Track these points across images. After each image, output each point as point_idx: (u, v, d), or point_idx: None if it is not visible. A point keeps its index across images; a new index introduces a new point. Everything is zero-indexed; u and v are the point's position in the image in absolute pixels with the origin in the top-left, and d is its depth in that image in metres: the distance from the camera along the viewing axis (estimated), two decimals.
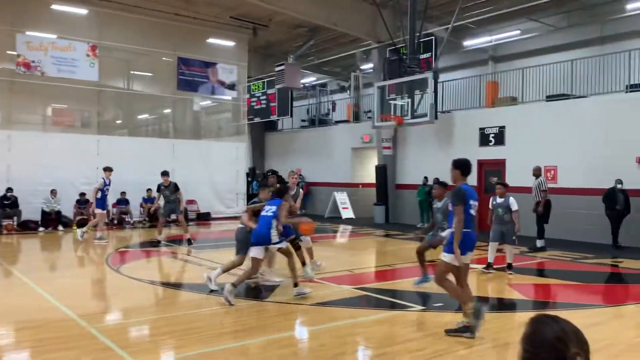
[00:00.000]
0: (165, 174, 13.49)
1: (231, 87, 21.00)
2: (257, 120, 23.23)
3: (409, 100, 12.48)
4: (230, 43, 20.75)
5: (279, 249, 7.42)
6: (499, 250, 9.96)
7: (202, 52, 20.11)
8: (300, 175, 22.67)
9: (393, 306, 7.25)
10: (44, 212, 15.99)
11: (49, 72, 16.65)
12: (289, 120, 23.92)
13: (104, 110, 19.33)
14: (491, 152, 15.96)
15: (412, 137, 18.23)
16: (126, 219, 17.18)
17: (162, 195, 13.29)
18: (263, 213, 7.15)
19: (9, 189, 15.57)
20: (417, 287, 7.89)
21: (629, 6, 15.21)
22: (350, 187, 20.93)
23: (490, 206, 9.83)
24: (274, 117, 22.59)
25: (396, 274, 9.64)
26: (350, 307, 7.16)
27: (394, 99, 13.06)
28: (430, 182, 16.78)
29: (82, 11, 17.16)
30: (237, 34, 20.68)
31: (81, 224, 16.34)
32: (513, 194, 15.41)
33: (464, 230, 5.59)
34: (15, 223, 15.62)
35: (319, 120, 23.68)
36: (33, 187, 15.95)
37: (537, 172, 12.47)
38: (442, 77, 17.63)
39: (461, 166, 5.92)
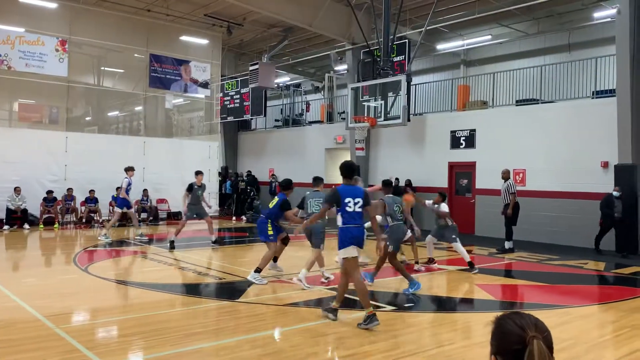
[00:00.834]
0: (199, 173, 12.99)
1: (204, 85, 20.82)
2: (230, 119, 23.08)
3: (382, 102, 12.55)
4: (203, 41, 20.57)
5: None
6: (469, 252, 10.14)
7: (174, 50, 19.88)
8: (273, 175, 22.64)
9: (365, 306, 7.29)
10: (8, 210, 15.57)
11: (16, 67, 16.24)
12: (262, 119, 23.84)
13: (73, 107, 18.92)
14: (462, 155, 16.22)
15: (385, 138, 18.40)
16: (95, 218, 16.86)
17: (193, 196, 12.63)
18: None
19: None
20: (414, 292, 7.86)
21: (596, 14, 15.65)
22: (324, 187, 20.94)
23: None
24: (247, 117, 22.46)
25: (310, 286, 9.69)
26: (322, 307, 7.19)
27: (368, 101, 13.12)
28: (401, 183, 16.97)
29: (52, 5, 16.78)
30: (210, 32, 20.52)
31: (48, 222, 15.99)
32: (482, 197, 15.76)
33: (345, 225, 6.12)
34: None
35: (292, 121, 23.66)
36: None
37: (505, 175, 12.66)
38: (415, 79, 17.85)
39: (341, 169, 6.55)
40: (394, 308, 7.10)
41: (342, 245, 6.15)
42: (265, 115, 22.37)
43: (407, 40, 15.66)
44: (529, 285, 8.94)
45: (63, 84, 17.49)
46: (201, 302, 7.42)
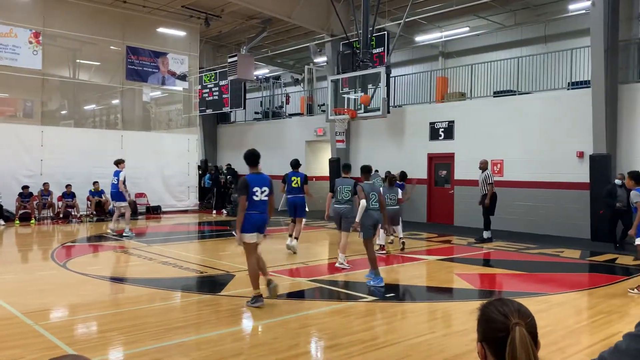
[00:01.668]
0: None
1: (182, 77, 20.59)
2: (209, 111, 22.91)
3: (362, 94, 12.59)
4: (181, 33, 20.32)
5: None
6: (447, 242, 10.25)
7: (151, 42, 19.60)
8: None
9: (346, 297, 7.35)
10: None
11: None
12: (242, 112, 23.70)
13: (48, 100, 18.56)
14: (441, 146, 16.37)
15: (365, 130, 18.46)
16: (72, 213, 16.62)
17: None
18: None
19: None
20: (375, 285, 7.88)
21: (571, 7, 15.87)
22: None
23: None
24: (226, 109, 22.33)
25: (350, 265, 9.76)
26: (303, 299, 7.23)
27: (348, 93, 13.15)
28: (382, 175, 17.05)
29: None
30: (188, 23, 20.28)
31: (24, 217, 15.71)
32: (461, 187, 15.94)
33: (249, 211, 6.44)
34: None
35: (272, 113, 23.57)
36: None
37: (483, 166, 12.76)
38: (394, 71, 17.92)
39: (245, 158, 6.74)
40: (374, 298, 7.16)
41: (244, 230, 6.47)
42: (244, 108, 22.26)
43: (386, 32, 15.70)
44: (507, 274, 9.09)
45: (37, 77, 17.13)
46: (182, 296, 7.39)
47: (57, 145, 16.96)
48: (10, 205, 15.74)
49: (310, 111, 21.53)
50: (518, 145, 14.51)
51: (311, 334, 5.70)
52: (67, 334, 5.48)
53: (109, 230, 13.33)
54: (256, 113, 24.52)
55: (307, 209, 11.02)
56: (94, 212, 17.03)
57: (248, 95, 22.73)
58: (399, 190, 11.09)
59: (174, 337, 5.34)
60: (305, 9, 17.52)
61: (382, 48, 15.49)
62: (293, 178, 10.88)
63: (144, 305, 6.65)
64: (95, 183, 17.08)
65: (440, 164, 16.57)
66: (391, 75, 15.92)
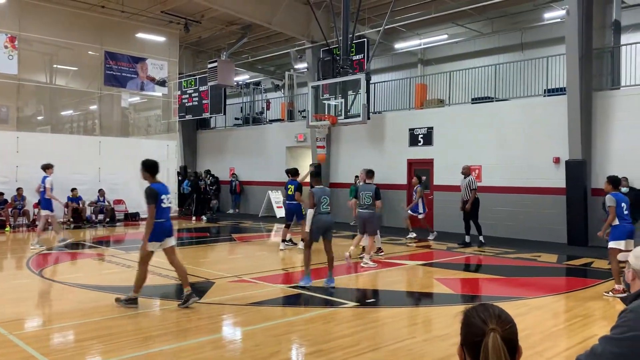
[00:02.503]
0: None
1: (161, 83, 20.43)
2: (188, 117, 22.76)
3: (342, 100, 12.65)
4: (160, 38, 20.17)
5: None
6: (427, 247, 10.31)
7: (130, 47, 19.42)
8: (233, 174, 22.45)
9: (327, 303, 7.34)
10: None
11: None
12: (222, 118, 23.60)
13: (24, 105, 18.24)
14: (420, 152, 16.50)
15: (345, 136, 18.53)
16: (48, 220, 16.28)
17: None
18: None
19: None
20: (304, 285, 7.98)
21: (547, 15, 16.18)
22: (284, 186, 20.96)
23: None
24: (206, 115, 22.22)
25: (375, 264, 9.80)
26: (284, 305, 7.20)
27: (328, 99, 13.20)
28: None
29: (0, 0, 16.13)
30: (167, 29, 20.15)
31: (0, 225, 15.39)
32: (440, 193, 16.08)
33: (158, 220, 6.63)
34: None
35: (253, 119, 23.52)
36: None
37: (466, 171, 12.83)
38: (374, 78, 18.03)
39: (149, 167, 6.85)
40: (355, 304, 7.16)
41: (151, 239, 6.65)
42: (224, 114, 22.17)
43: (365, 39, 15.83)
44: (486, 279, 9.18)
45: (13, 82, 16.84)
46: (161, 304, 7.30)
47: (33, 151, 16.64)
48: None
49: (290, 117, 21.54)
50: (496, 151, 14.71)
51: (293, 340, 5.68)
52: (42, 343, 5.37)
53: (33, 247, 11.97)
54: (236, 119, 24.44)
55: (304, 213, 11.23)
56: (71, 219, 16.76)
57: (228, 101, 22.65)
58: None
59: (153, 346, 5.27)
60: (286, 15, 17.57)
61: (362, 55, 15.60)
62: (289, 186, 11.89)
63: (122, 314, 6.55)
64: (73, 190, 16.83)
65: (420, 169, 16.69)
66: (371, 81, 16.02)
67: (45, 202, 12.22)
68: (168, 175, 20.39)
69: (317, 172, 8.97)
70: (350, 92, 12.62)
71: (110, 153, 18.51)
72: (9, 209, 15.82)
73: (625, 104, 12.64)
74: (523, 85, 15.12)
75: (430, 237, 13.80)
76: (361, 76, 12.14)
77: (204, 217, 19.35)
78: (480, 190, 14.10)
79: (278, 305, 7.14)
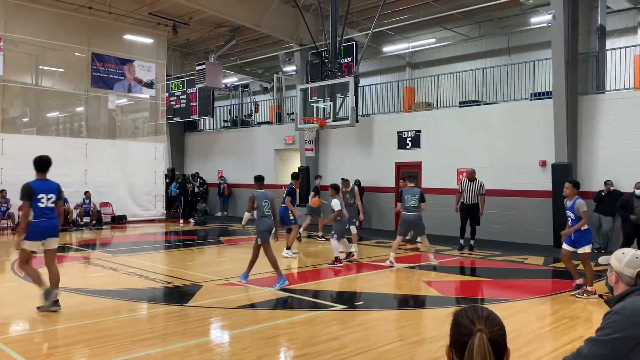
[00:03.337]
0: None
1: (149, 85, 20.31)
2: (176, 119, 22.65)
3: (331, 103, 12.65)
4: (148, 40, 20.06)
5: None
6: (415, 250, 10.35)
7: (118, 49, 19.28)
8: (221, 176, 22.36)
9: (315, 306, 7.34)
10: None
11: None
12: (210, 120, 23.51)
13: (8, 107, 18.03)
14: (408, 155, 16.57)
15: (334, 139, 18.55)
16: None
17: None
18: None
19: None
20: (281, 287, 8.11)
21: (533, 20, 16.34)
22: (274, 188, 20.90)
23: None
24: (194, 117, 22.12)
25: (318, 274, 9.76)
26: (272, 308, 7.18)
27: (317, 102, 13.19)
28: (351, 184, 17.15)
29: None
30: (155, 31, 20.05)
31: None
32: (428, 196, 16.10)
33: (35, 220, 6.49)
34: None
35: (241, 121, 23.46)
36: None
37: (472, 176, 12.39)
38: (363, 81, 18.09)
39: (35, 163, 6.70)
40: (344, 307, 7.16)
41: (27, 237, 6.52)
42: (212, 116, 22.10)
43: (354, 43, 15.86)
44: (473, 281, 9.23)
45: None
46: (148, 308, 7.25)
47: (19, 153, 16.44)
48: None
49: (279, 120, 21.52)
50: (483, 154, 14.80)
51: (280, 343, 5.67)
52: (27, 347, 5.30)
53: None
54: (225, 121, 24.37)
55: (291, 218, 11.33)
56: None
57: (216, 104, 22.58)
58: (338, 202, 10.50)
59: (139, 349, 5.23)
60: (274, 18, 17.56)
61: (351, 58, 15.63)
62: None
63: (109, 317, 6.49)
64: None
65: (408, 172, 16.74)
66: (359, 84, 16.06)
67: None
68: (155, 178, 20.30)
69: (259, 177, 9.17)
70: (338, 95, 12.62)
71: (96, 155, 18.36)
72: None
73: (610, 107, 12.80)
74: (510, 89, 15.25)
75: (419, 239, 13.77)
76: (350, 79, 12.15)
77: (191, 220, 19.25)
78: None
79: (266, 308, 7.12)
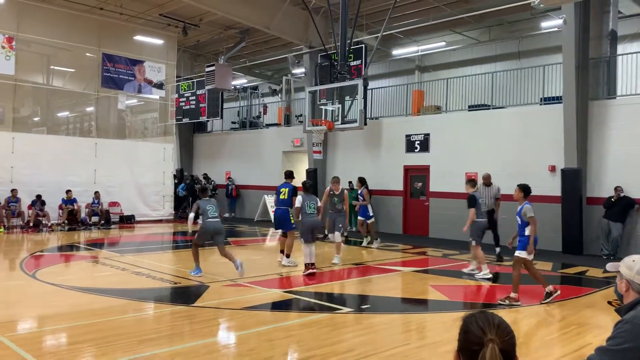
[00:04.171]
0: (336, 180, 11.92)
1: (159, 86, 20.41)
2: (185, 120, 22.75)
3: (339, 105, 12.65)
4: (158, 41, 20.17)
5: None
6: (422, 253, 10.27)
7: (128, 49, 19.40)
8: (229, 178, 22.42)
9: (321, 309, 7.33)
10: None
11: None
12: (219, 121, 23.60)
13: (20, 106, 18.19)
14: (416, 159, 16.52)
15: (342, 142, 18.54)
16: (43, 222, 16.25)
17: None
18: None
19: None
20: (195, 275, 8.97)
21: (544, 24, 16.27)
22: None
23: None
24: (203, 119, 22.21)
25: (324, 276, 9.75)
26: (279, 310, 7.18)
27: (325, 104, 13.20)
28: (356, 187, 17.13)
29: None
30: (166, 32, 20.16)
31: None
32: (436, 199, 16.07)
33: None
34: None
35: (250, 123, 23.52)
36: None
37: (487, 181, 11.90)
38: (372, 84, 18.09)
39: None
40: (350, 310, 7.15)
41: None
42: (221, 118, 22.18)
43: (363, 45, 15.87)
44: (480, 285, 9.18)
45: (9, 83, 16.79)
46: (155, 307, 7.27)
47: (29, 152, 16.62)
48: None
49: (287, 122, 21.55)
50: (492, 158, 14.73)
51: (287, 345, 5.66)
52: (34, 346, 5.33)
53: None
54: (233, 123, 24.44)
55: (292, 222, 10.30)
56: (66, 221, 16.70)
57: (225, 105, 22.65)
58: (318, 200, 10.19)
59: (146, 349, 5.24)
60: (284, 20, 17.60)
61: (360, 61, 15.64)
62: (282, 190, 10.57)
63: (116, 317, 6.52)
64: (68, 191, 16.78)
65: (416, 176, 16.72)
66: (368, 87, 16.06)
67: None
68: (164, 178, 20.39)
69: (204, 188, 9.89)
70: (347, 98, 12.63)
71: (106, 155, 18.48)
72: (3, 210, 15.73)
73: (621, 113, 12.70)
74: (519, 94, 15.17)
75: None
76: (359, 82, 12.15)
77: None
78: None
79: (273, 310, 7.12)
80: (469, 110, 15.94)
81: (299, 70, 20.62)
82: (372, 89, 18.16)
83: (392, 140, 17.14)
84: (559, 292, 7.72)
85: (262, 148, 21.60)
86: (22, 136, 16.96)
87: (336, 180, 11.79)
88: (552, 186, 13.47)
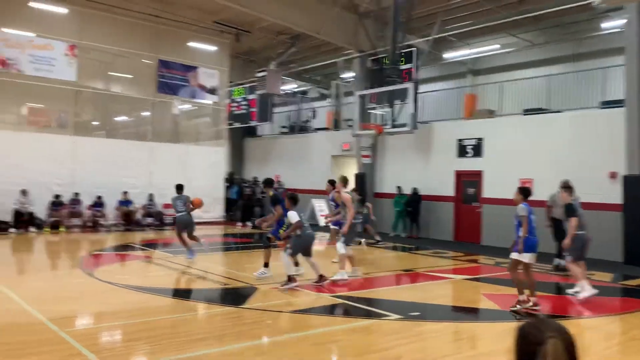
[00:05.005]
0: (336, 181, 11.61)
1: (212, 91, 20.88)
2: (236, 125, 23.15)
3: (389, 109, 12.57)
4: (212, 47, 20.65)
5: None
6: (474, 261, 10.02)
7: (183, 55, 19.95)
8: (279, 181, 22.63)
9: (369, 315, 7.26)
10: (17, 213, 15.59)
11: (25, 71, 16.31)
12: (268, 126, 23.89)
13: (81, 111, 19.00)
14: (469, 164, 16.16)
15: (392, 146, 18.37)
16: (100, 222, 16.90)
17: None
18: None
19: None
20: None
21: (604, 25, 15.61)
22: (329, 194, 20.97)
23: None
24: (254, 123, 22.55)
25: (373, 282, 9.67)
26: (327, 315, 7.16)
27: (374, 108, 13.16)
28: (407, 192, 16.93)
29: (62, 10, 16.90)
30: (219, 38, 20.61)
31: (54, 225, 16.03)
32: (489, 206, 15.66)
33: None
34: None
35: (299, 127, 23.71)
36: (5, 187, 15.55)
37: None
38: (422, 87, 17.84)
39: None
40: (399, 317, 7.04)
41: None
42: (271, 122, 22.45)
43: (414, 49, 15.69)
44: (537, 296, 8.85)
45: (71, 89, 17.58)
46: (205, 308, 7.41)
47: (88, 155, 17.33)
48: (42, 213, 16.08)
49: (336, 126, 21.58)
50: (548, 164, 14.22)
51: (333, 350, 5.64)
52: (91, 341, 5.52)
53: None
54: (283, 127, 24.69)
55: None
56: (122, 222, 17.30)
57: (275, 110, 22.93)
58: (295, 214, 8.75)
59: (197, 349, 5.34)
60: (334, 25, 17.64)
61: (411, 64, 15.47)
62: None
63: (168, 316, 6.68)
64: (124, 193, 17.38)
65: (468, 181, 16.35)
66: (419, 91, 15.86)
67: None
68: (216, 181, 20.80)
69: (179, 185, 11.50)
70: (397, 102, 12.53)
71: (161, 159, 19.04)
72: (64, 211, 16.45)
73: None
74: (577, 97, 14.60)
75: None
76: (409, 85, 12.05)
77: (249, 224, 19.57)
78: (534, 205, 13.67)
79: (319, 314, 7.10)
80: (524, 114, 15.46)
81: (348, 75, 20.62)
82: (422, 93, 17.92)
83: (443, 144, 16.84)
84: (537, 307, 7.27)
85: (311, 152, 21.71)
86: (82, 140, 17.71)
87: (330, 184, 11.19)
88: (611, 193, 12.87)
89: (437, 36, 14.96)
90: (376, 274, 10.33)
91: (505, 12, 15.83)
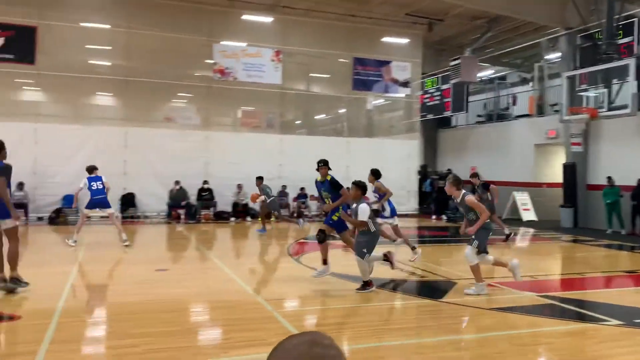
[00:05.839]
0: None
1: (404, 84, 20.94)
2: (429, 117, 22.87)
3: (605, 90, 11.13)
4: (404, 40, 20.71)
5: None
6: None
7: (376, 51, 20.37)
8: (474, 173, 21.76)
9: (582, 318, 6.54)
10: (234, 204, 17.66)
11: (240, 78, 18.31)
12: (463, 116, 23.09)
13: (285, 112, 20.71)
14: None
15: (608, 131, 16.18)
16: (304, 213, 18.19)
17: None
18: None
19: (205, 182, 17.51)
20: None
21: None
22: (533, 187, 19.49)
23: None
24: (447, 113, 22.03)
25: (586, 283, 8.71)
26: (532, 315, 6.64)
27: (586, 90, 11.78)
28: (617, 182, 14.82)
29: (268, 19, 18.57)
30: (411, 30, 20.55)
31: (267, 215, 17.72)
32: None
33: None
34: (211, 213, 17.57)
35: (497, 115, 22.46)
36: (226, 182, 17.69)
37: None
38: None
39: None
40: (620, 322, 6.21)
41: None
42: (466, 111, 21.67)
43: (636, 20, 13.65)
44: None
45: (277, 91, 19.23)
46: (402, 299, 7.45)
47: (293, 151, 18.78)
48: (254, 204, 17.88)
49: (540, 112, 19.90)
50: None
51: (540, 353, 5.21)
52: (300, 322, 5.96)
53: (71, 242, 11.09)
54: (479, 116, 23.62)
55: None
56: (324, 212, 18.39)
57: (470, 98, 22.05)
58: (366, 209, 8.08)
59: (395, 338, 5.40)
60: (536, 3, 16.29)
61: (631, 37, 13.51)
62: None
63: (366, 304, 6.88)
64: (301, 189, 18.52)
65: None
66: None
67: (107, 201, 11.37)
68: (409, 174, 20.85)
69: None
70: (615, 81, 11.05)
71: (356, 153, 19.73)
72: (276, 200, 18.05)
73: None
74: None
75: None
76: (630, 61, 10.52)
77: (443, 217, 19.22)
78: None
79: (523, 314, 6.60)
80: None
81: (553, 55, 18.87)
82: None
83: None
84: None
85: (511, 141, 20.40)
86: (287, 138, 19.28)
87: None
88: None
89: None
90: (588, 273, 9.29)
91: None
